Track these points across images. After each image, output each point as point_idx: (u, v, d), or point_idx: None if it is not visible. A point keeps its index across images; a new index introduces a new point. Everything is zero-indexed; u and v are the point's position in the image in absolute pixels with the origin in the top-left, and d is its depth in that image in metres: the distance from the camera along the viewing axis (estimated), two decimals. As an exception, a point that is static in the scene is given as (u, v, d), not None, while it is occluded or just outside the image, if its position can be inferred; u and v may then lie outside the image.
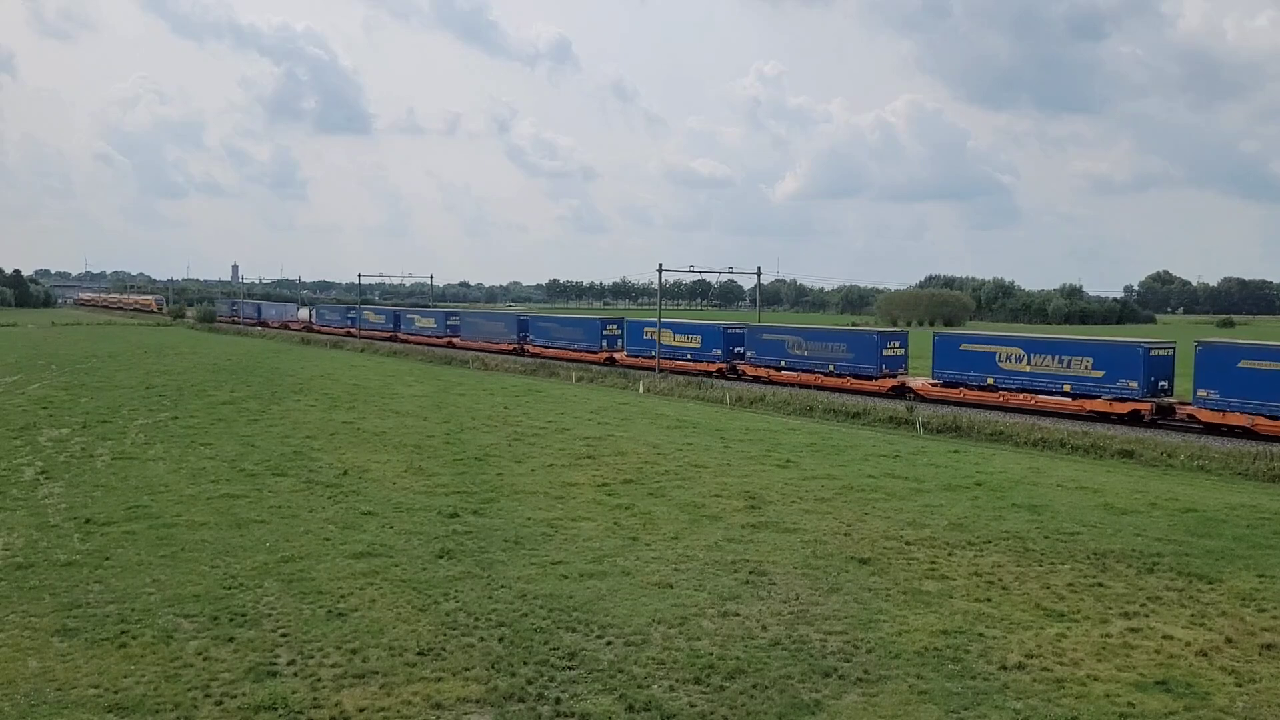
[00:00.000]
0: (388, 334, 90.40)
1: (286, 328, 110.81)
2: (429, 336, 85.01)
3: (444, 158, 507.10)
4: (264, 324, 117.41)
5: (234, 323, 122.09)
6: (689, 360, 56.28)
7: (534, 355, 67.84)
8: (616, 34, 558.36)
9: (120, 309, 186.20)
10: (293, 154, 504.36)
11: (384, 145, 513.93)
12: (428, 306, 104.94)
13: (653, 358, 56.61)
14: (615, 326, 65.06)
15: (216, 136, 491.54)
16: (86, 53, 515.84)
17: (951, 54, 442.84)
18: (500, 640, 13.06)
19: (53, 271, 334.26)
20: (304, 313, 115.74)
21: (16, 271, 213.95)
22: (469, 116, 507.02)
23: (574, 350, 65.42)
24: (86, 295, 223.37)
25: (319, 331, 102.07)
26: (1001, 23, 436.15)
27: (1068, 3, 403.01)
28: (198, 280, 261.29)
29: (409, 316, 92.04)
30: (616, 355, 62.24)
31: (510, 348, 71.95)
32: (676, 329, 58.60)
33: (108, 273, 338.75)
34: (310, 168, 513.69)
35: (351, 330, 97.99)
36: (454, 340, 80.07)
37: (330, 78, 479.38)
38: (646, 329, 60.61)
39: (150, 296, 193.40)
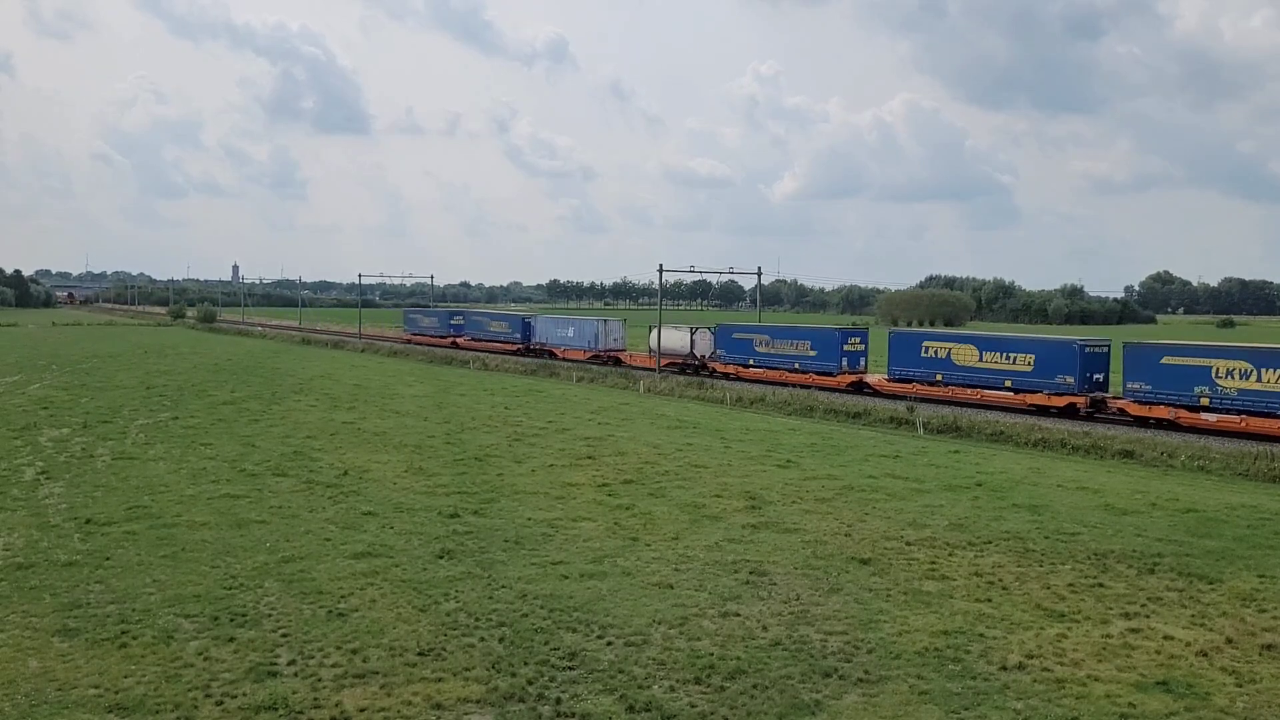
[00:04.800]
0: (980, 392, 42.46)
1: (616, 363, 60.99)
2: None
3: (443, 158, 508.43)
4: (549, 353, 67.69)
5: (470, 347, 75.75)
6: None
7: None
8: (614, 33, 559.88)
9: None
10: (292, 154, 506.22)
11: (383, 145, 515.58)
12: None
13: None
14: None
15: (215, 136, 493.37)
16: (84, 53, 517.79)
17: (949, 54, 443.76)
18: (501, 640, 13.06)
19: (53, 271, 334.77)
20: (677, 337, 58.22)
21: (17, 272, 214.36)
22: (468, 116, 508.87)
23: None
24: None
25: (728, 375, 53.27)
26: (998, 22, 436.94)
27: (1064, 2, 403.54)
28: (198, 280, 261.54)
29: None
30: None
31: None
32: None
33: (108, 273, 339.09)
34: (309, 168, 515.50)
35: (837, 375, 48.10)
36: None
37: (328, 78, 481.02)
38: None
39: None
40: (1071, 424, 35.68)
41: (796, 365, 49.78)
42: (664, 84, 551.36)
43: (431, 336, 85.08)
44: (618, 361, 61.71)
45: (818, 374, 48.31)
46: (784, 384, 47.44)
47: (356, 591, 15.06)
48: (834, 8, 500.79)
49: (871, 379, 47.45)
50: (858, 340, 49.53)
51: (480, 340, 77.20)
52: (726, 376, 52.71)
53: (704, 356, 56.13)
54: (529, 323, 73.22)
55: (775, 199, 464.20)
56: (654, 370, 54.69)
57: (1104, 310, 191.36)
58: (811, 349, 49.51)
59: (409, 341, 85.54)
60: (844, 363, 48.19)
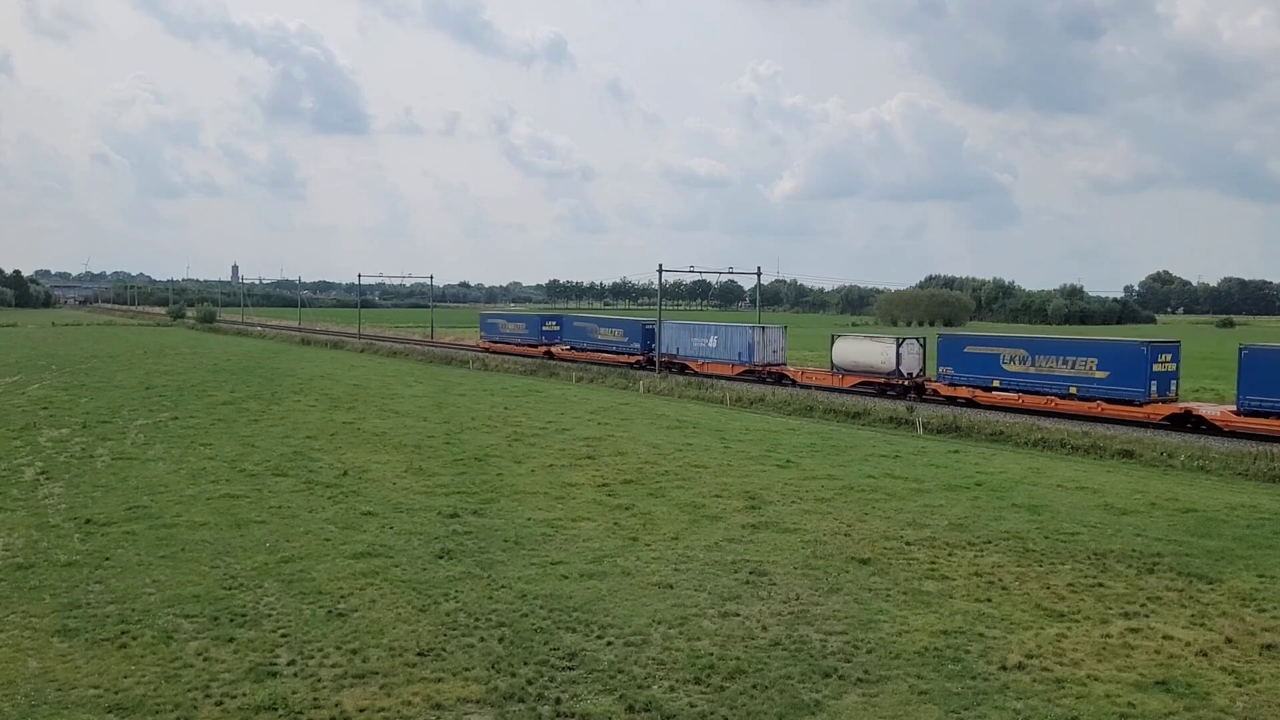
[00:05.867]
0: None
1: (779, 380, 50.99)
2: None
3: (442, 158, 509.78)
4: (681, 366, 56.39)
5: (570, 357, 64.75)
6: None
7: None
8: (612, 33, 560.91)
9: None
10: (290, 154, 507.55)
11: (382, 145, 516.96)
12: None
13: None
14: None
15: (213, 136, 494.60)
16: (83, 52, 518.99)
17: (947, 53, 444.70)
18: (500, 640, 13.06)
19: (53, 272, 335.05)
20: (876, 350, 47.45)
21: (16, 272, 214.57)
22: (466, 116, 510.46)
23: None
24: None
25: (954, 400, 43.05)
26: (996, 22, 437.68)
27: (1062, 1, 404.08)
28: (197, 280, 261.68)
29: None
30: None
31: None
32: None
33: (108, 273, 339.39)
34: (308, 168, 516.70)
35: None
36: None
37: (327, 77, 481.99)
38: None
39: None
40: (1071, 424, 35.62)
41: (1073, 389, 38.69)
42: (662, 84, 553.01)
43: (516, 345, 72.06)
44: (780, 378, 50.87)
45: (1110, 402, 37.48)
46: (1054, 413, 38.32)
47: (356, 591, 15.06)
48: (832, 8, 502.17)
49: (1208, 411, 35.66)
50: (1168, 358, 37.81)
51: (584, 350, 65.22)
52: (953, 401, 42.36)
53: (913, 374, 45.69)
54: (652, 330, 59.84)
55: (774, 199, 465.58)
56: (822, 386, 46.65)
57: (1104, 310, 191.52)
58: (1100, 369, 38.23)
59: (487, 350, 73.54)
60: (1153, 387, 37.04)
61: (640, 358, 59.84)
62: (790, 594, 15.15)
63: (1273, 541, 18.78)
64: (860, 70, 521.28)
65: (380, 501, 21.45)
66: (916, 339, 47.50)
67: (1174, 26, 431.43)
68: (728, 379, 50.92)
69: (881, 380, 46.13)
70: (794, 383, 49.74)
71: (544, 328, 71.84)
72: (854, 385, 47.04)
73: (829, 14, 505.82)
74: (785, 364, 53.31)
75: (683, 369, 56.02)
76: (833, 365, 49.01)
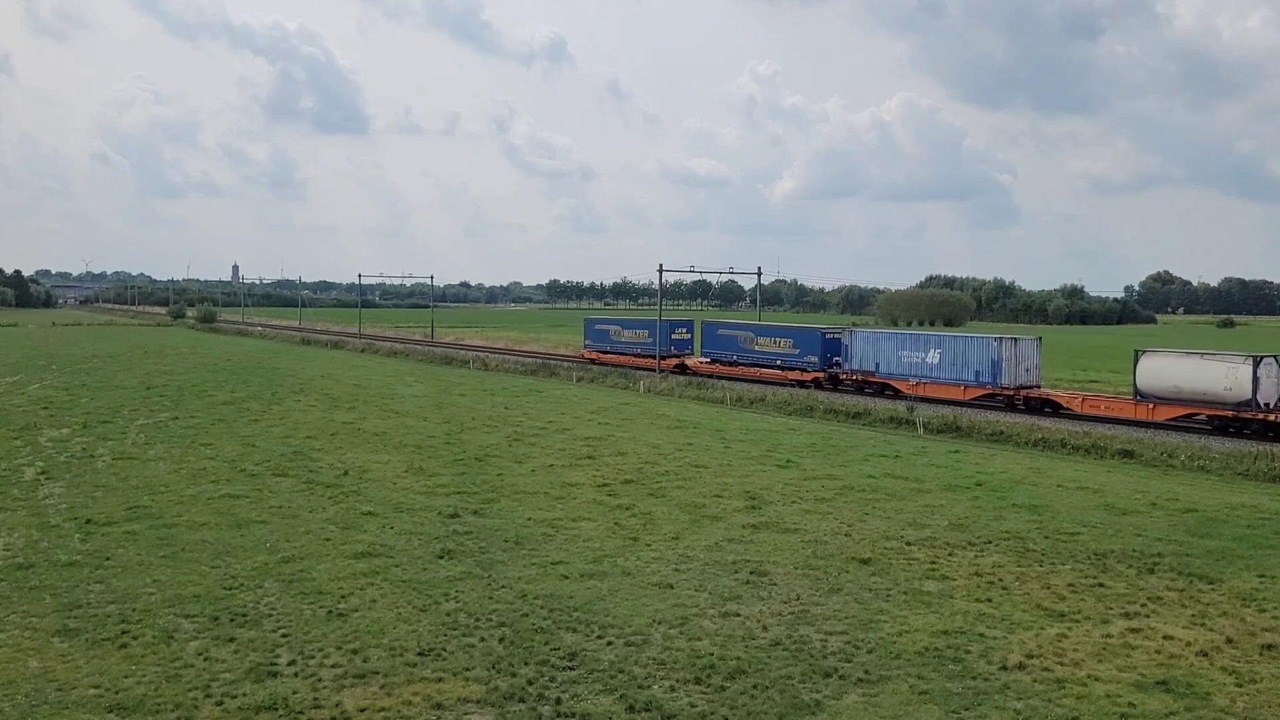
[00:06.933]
0: None
1: (1041, 409, 39.68)
2: None
3: (442, 158, 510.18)
4: (881, 386, 45.27)
5: (711, 372, 53.22)
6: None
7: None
8: (611, 33, 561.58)
9: None
10: (290, 154, 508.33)
11: (382, 145, 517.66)
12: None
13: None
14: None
15: (213, 136, 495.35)
16: (83, 52, 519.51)
17: (947, 53, 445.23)
18: (501, 640, 13.05)
19: (53, 272, 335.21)
20: (1215, 372, 33.90)
21: (17, 272, 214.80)
22: (466, 116, 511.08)
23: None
24: None
25: None
26: (996, 22, 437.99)
27: (1062, 1, 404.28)
28: (198, 280, 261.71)
29: None
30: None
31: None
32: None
33: (108, 273, 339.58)
34: (308, 167, 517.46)
35: None
36: None
37: (327, 77, 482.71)
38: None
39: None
40: (1071, 424, 35.58)
41: None
42: (662, 84, 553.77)
43: (635, 356, 58.66)
44: (1044, 405, 39.67)
45: None
46: None
47: (356, 591, 15.06)
48: (832, 7, 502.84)
49: None
50: None
51: (733, 365, 52.73)
52: None
53: (1271, 404, 33.32)
54: (835, 340, 48.58)
55: (774, 199, 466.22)
56: (1120, 419, 36.23)
57: (1104, 310, 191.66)
58: None
59: (594, 361, 60.51)
60: None
61: (819, 374, 48.29)
62: (791, 594, 15.15)
63: (1273, 541, 18.77)
64: (860, 70, 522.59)
65: (381, 501, 21.45)
66: (1275, 357, 34.15)
67: (1174, 26, 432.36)
68: (961, 404, 40.48)
69: (1228, 413, 33.72)
70: (1056, 410, 38.97)
71: (673, 335, 58.98)
72: (1174, 418, 35.13)
73: (829, 14, 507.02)
74: (1036, 385, 41.37)
75: (881, 389, 44.80)
76: (1137, 391, 36.52)
